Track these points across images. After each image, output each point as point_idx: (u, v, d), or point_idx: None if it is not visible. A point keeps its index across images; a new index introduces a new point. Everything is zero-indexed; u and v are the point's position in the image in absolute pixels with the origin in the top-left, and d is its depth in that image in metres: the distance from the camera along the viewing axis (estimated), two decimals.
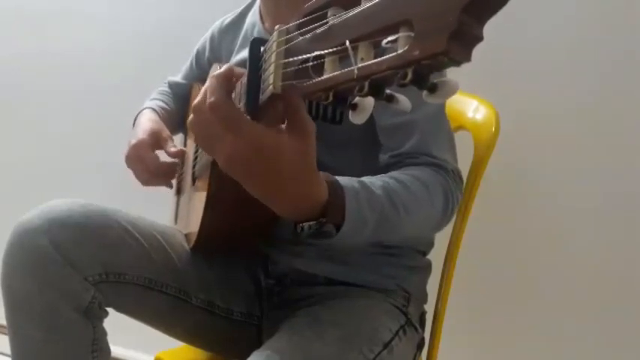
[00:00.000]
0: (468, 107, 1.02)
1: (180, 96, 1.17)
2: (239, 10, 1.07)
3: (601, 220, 1.15)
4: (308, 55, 0.39)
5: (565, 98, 1.16)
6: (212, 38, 1.11)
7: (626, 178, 1.12)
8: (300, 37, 0.41)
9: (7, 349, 0.80)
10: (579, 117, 1.15)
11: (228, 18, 1.09)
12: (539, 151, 1.19)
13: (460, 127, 1.00)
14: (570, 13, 1.15)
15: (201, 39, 1.15)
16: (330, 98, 0.38)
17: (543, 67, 1.17)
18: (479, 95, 1.02)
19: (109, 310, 0.84)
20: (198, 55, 1.16)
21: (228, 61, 1.04)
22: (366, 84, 0.34)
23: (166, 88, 1.19)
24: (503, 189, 1.16)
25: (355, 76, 0.35)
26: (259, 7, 0.98)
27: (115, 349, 0.87)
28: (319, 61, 0.38)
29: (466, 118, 1.01)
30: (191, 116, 0.54)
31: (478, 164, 0.94)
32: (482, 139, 0.96)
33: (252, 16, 1.01)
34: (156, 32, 1.66)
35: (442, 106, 0.81)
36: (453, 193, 0.76)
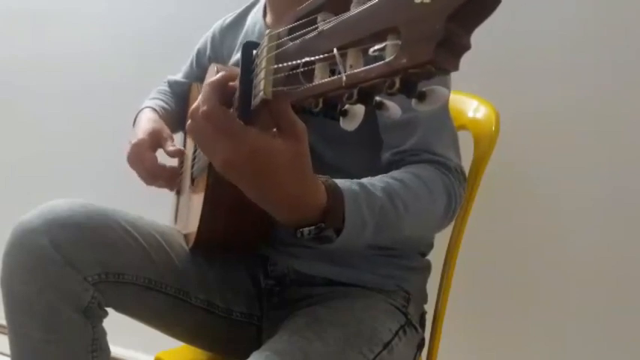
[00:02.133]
0: (468, 107, 1.01)
1: (180, 95, 1.17)
2: (241, 9, 1.08)
3: (601, 219, 1.14)
4: (298, 62, 0.39)
5: (565, 98, 1.15)
6: (213, 37, 1.11)
7: (626, 178, 1.12)
8: (291, 43, 0.41)
9: (7, 349, 0.80)
10: (579, 117, 1.14)
11: (229, 17, 1.10)
12: (539, 151, 1.18)
13: (460, 127, 1.00)
14: (570, 13, 1.14)
15: (202, 38, 1.15)
16: (320, 105, 0.38)
17: (543, 67, 1.16)
18: (479, 95, 1.02)
19: (109, 310, 0.84)
20: (199, 55, 1.16)
21: (228, 60, 1.04)
22: (355, 92, 0.34)
23: (166, 87, 1.19)
24: (503, 189, 1.15)
25: (344, 84, 0.34)
26: (264, 4, 0.98)
27: (115, 349, 0.88)
28: (309, 67, 0.38)
29: (466, 118, 1.00)
30: (189, 121, 0.54)
31: (478, 164, 0.94)
32: (483, 138, 0.95)
33: (255, 15, 1.01)
34: (156, 32, 1.66)
35: (445, 104, 0.80)
36: (456, 191, 0.75)
